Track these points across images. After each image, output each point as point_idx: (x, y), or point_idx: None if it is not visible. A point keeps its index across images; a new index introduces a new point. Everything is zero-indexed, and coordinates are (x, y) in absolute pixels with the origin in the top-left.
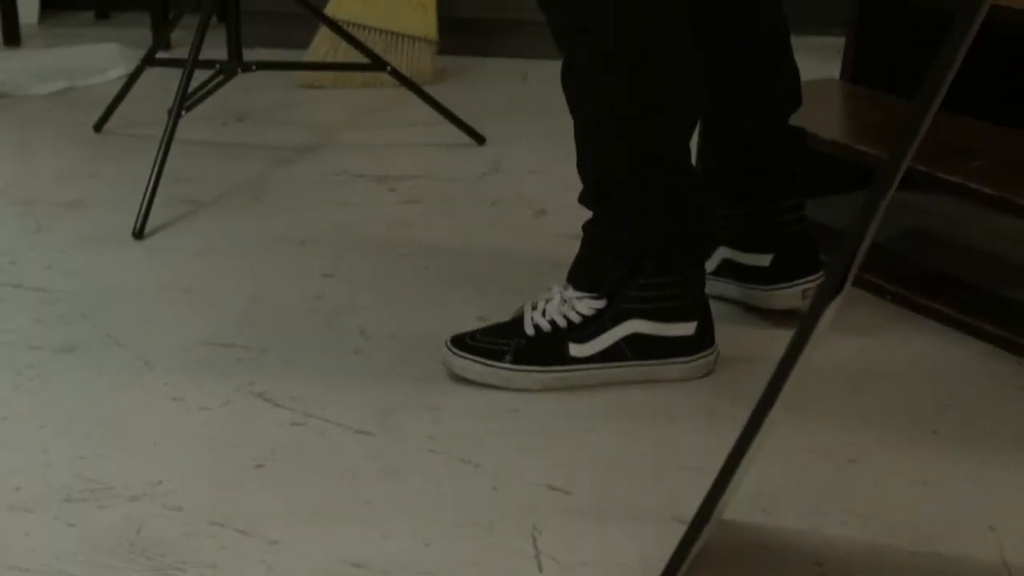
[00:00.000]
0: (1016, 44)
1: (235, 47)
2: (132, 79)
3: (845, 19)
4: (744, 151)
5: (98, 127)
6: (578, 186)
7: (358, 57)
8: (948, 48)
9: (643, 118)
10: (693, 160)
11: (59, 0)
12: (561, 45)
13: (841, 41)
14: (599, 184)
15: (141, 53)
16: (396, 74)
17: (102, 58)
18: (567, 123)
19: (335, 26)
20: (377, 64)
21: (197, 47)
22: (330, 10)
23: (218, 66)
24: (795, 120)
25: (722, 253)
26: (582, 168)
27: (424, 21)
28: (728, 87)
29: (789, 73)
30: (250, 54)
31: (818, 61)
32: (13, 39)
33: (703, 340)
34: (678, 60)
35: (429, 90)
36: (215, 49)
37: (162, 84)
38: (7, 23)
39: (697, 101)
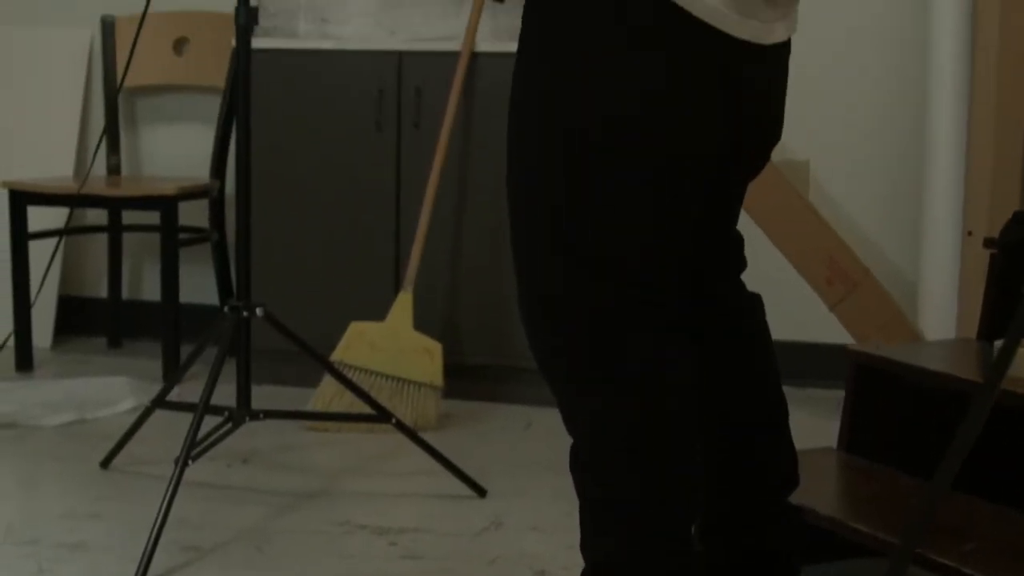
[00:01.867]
0: (1012, 424)
1: (244, 395)
2: (141, 419)
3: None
4: (743, 533)
5: (105, 463)
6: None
7: (364, 403)
8: (964, 434)
9: (646, 506)
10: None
11: (72, 327)
12: (570, 429)
13: (842, 394)
14: (599, 568)
15: (151, 385)
16: (400, 426)
17: (112, 392)
18: (570, 479)
19: (341, 377)
20: (382, 416)
21: (207, 396)
22: (338, 354)
23: (227, 413)
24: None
25: None
26: (584, 548)
27: (430, 368)
28: (727, 471)
29: (787, 455)
30: (259, 391)
31: (819, 415)
32: (26, 364)
33: None
34: (682, 454)
35: (433, 436)
36: (225, 383)
37: (170, 421)
38: (21, 348)
39: (699, 492)
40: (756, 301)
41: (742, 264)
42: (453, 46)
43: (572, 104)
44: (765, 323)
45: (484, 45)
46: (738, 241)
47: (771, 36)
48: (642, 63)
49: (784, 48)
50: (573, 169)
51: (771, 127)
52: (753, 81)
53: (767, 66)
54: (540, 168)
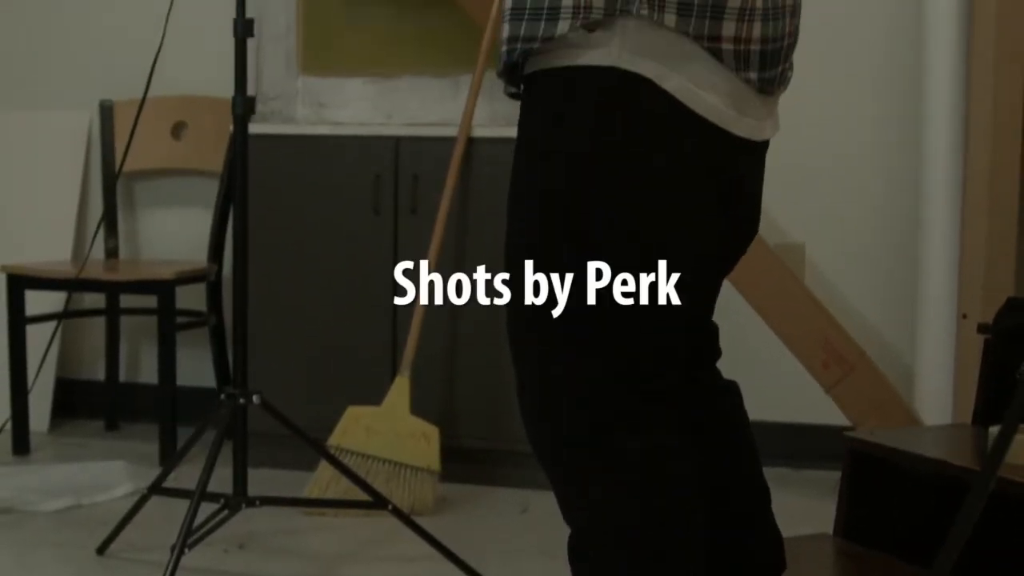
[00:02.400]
0: (1009, 511)
1: (241, 481)
2: (138, 506)
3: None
4: None
5: (101, 550)
6: None
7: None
8: (962, 522)
9: None
10: None
11: (69, 409)
12: (567, 518)
13: (839, 475)
14: None
15: (148, 470)
16: (397, 512)
17: (109, 476)
18: (566, 565)
19: (338, 463)
20: (379, 502)
21: (204, 484)
22: (335, 439)
23: (223, 500)
24: None
25: None
26: None
27: (427, 452)
28: (713, 557)
29: (772, 539)
30: (256, 474)
31: (815, 497)
32: (23, 448)
33: None
34: (684, 543)
35: (430, 520)
36: (222, 466)
37: (167, 506)
38: (17, 432)
39: None
40: (733, 388)
41: (717, 353)
42: (450, 131)
43: (573, 195)
44: (743, 410)
45: (481, 131)
46: (714, 331)
47: (762, 133)
48: (644, 157)
49: (766, 146)
50: (573, 261)
51: (755, 222)
52: (745, 177)
53: (755, 162)
54: (539, 262)
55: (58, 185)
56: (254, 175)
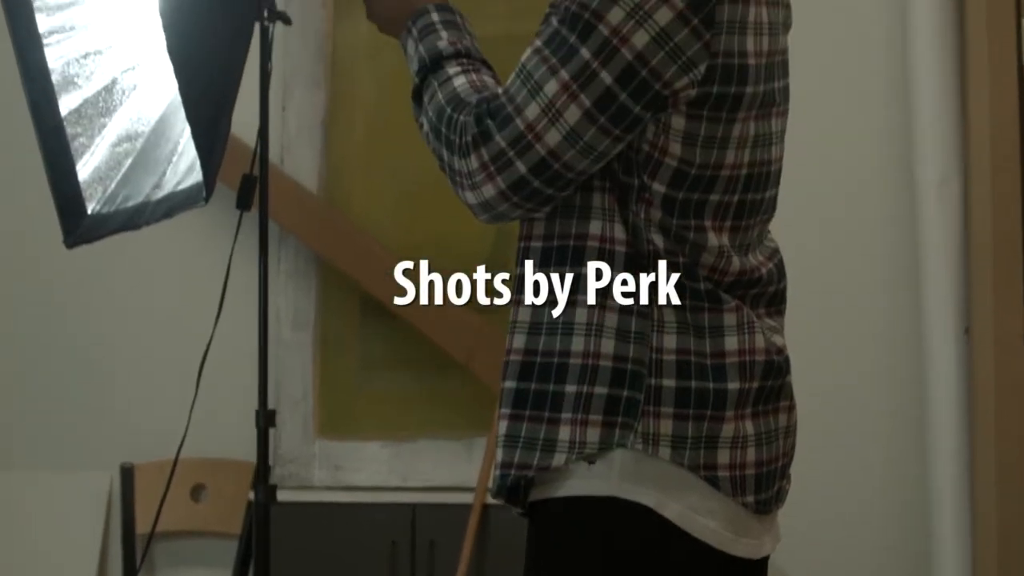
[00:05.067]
0: None
1: None
2: None
3: None
4: None
5: None
6: None
7: None
8: None
9: None
10: None
11: None
12: None
13: None
14: None
15: None
16: None
17: None
18: None
19: None
20: None
21: None
22: None
23: None
24: None
25: None
26: None
27: None
28: None
29: None
30: None
31: None
32: None
33: None
34: None
35: None
36: None
37: None
38: None
39: None
40: None
41: None
42: (466, 497)
43: None
44: None
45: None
46: None
47: (760, 551)
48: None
49: (766, 559)
50: None
51: None
52: None
53: None
54: None
55: (77, 547)
56: (272, 541)
